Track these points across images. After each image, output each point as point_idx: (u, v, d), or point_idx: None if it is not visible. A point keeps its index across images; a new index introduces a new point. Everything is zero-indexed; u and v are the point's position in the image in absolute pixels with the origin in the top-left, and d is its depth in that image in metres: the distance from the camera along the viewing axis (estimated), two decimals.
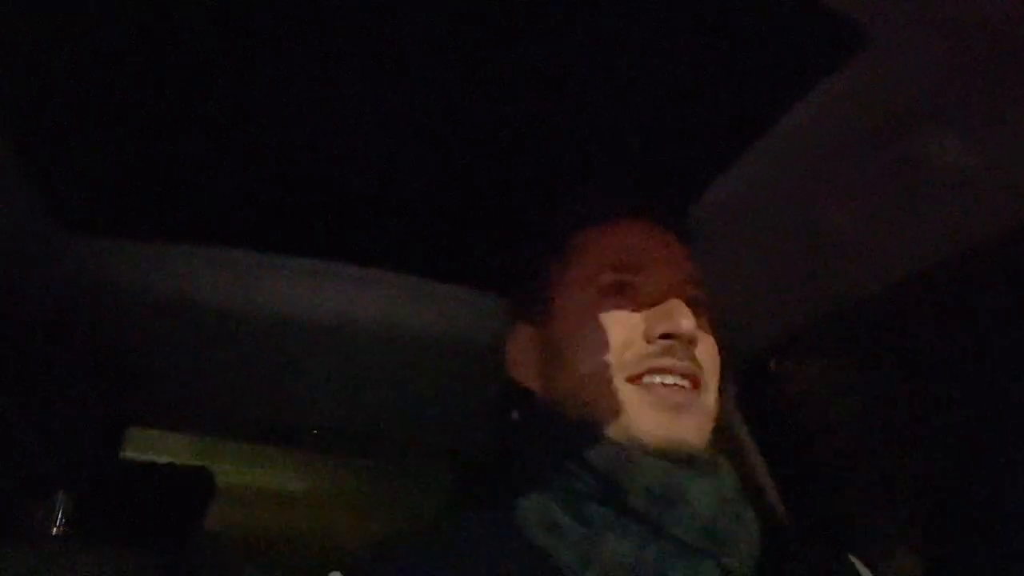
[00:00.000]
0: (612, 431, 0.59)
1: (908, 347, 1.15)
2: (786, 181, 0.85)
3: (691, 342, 0.61)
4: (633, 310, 0.63)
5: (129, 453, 1.55)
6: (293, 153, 0.99)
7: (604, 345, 0.61)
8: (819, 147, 0.80)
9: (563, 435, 0.61)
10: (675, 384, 0.60)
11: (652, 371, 0.60)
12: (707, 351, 0.63)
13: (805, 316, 1.07)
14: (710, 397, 0.62)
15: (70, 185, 1.02)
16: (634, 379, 0.60)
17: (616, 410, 0.59)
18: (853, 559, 0.67)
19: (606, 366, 0.61)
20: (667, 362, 0.60)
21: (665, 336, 0.61)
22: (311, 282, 1.16)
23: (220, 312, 1.18)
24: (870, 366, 1.23)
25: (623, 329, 0.62)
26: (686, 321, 0.61)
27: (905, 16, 0.63)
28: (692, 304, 0.63)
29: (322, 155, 0.99)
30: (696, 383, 0.61)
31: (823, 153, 0.80)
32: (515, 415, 0.68)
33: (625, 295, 0.63)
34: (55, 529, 1.60)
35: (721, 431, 0.63)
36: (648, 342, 0.61)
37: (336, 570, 0.58)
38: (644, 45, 0.78)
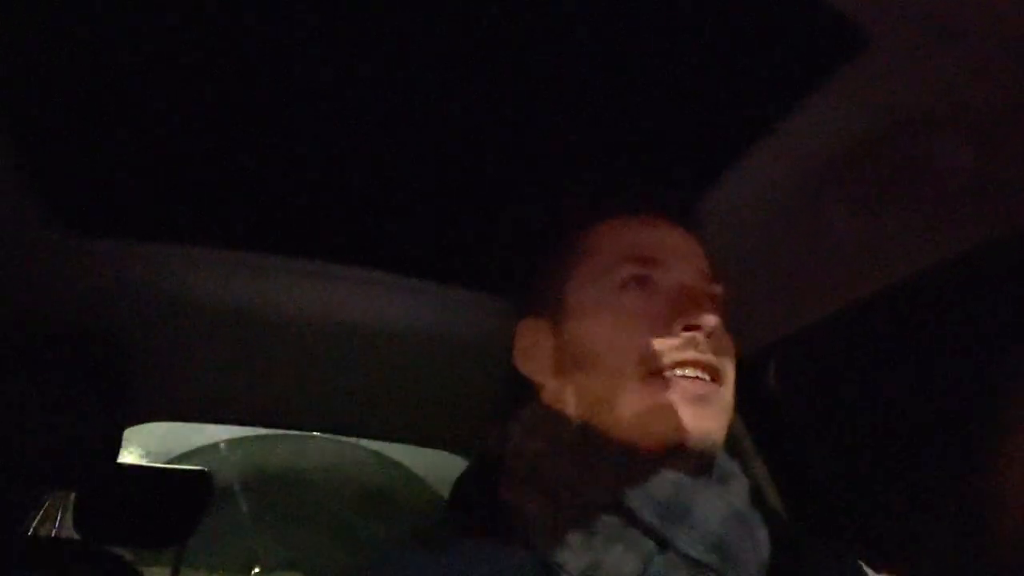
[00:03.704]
0: (625, 430, 0.58)
1: (908, 347, 1.16)
2: (787, 182, 0.86)
3: (712, 336, 0.60)
4: (653, 303, 0.61)
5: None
6: (294, 153, 0.99)
7: (623, 338, 0.60)
8: (820, 148, 0.80)
9: (571, 438, 0.60)
10: (697, 377, 0.59)
11: (674, 364, 0.59)
12: (725, 346, 0.62)
13: (805, 316, 1.07)
14: (728, 392, 0.61)
15: (70, 185, 1.01)
16: (655, 373, 0.59)
17: (632, 405, 0.58)
18: (863, 565, 0.66)
19: (625, 359, 0.59)
20: (689, 355, 0.59)
21: (688, 328, 0.59)
22: (311, 282, 1.16)
23: (220, 312, 1.18)
24: (869, 366, 1.23)
25: (643, 321, 0.60)
26: (709, 314, 0.60)
27: (907, 18, 0.63)
28: (710, 299, 0.63)
29: (322, 155, 0.99)
30: (717, 377, 0.60)
31: (824, 154, 0.80)
32: (519, 413, 0.66)
33: (644, 288, 0.62)
34: (55, 530, 1.60)
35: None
36: (670, 334, 0.60)
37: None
38: (648, 45, 0.78)
